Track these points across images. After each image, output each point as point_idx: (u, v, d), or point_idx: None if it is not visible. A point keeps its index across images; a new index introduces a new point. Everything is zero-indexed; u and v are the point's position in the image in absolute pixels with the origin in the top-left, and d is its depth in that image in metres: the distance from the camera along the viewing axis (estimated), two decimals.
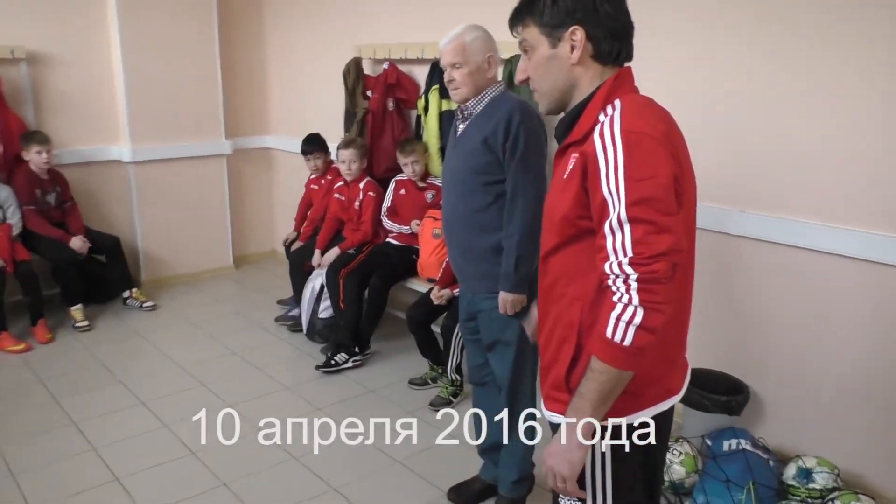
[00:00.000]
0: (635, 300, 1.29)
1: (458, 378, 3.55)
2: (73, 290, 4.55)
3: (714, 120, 2.95)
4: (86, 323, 4.52)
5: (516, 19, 1.52)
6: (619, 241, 1.30)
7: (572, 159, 1.41)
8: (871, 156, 2.57)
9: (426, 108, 3.94)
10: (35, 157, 4.42)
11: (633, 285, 1.29)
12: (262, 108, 5.82)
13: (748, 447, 2.74)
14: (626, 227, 1.29)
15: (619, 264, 1.30)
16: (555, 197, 1.48)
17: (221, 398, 3.63)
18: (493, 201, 2.43)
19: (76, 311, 4.54)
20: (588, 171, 1.36)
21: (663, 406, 1.49)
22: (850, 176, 2.64)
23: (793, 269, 2.86)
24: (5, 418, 3.42)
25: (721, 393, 2.96)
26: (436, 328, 3.74)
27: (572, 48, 1.44)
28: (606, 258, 1.33)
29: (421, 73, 4.19)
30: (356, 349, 3.99)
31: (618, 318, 1.31)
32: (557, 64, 1.47)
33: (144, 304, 4.86)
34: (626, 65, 1.50)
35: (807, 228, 2.77)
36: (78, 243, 4.51)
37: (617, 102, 1.40)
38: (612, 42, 1.44)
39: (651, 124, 1.35)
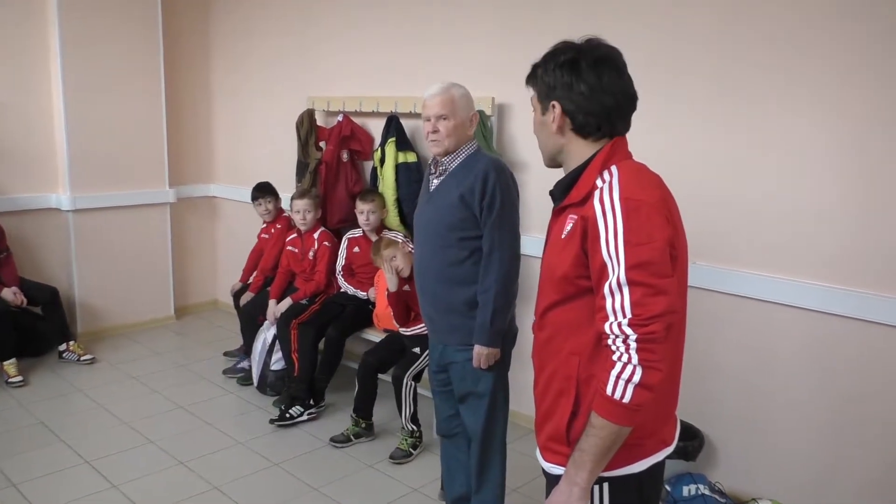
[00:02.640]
0: (634, 359, 1.37)
1: (416, 429, 3.55)
2: (6, 344, 4.33)
3: (668, 177, 3.12)
4: (20, 378, 4.30)
5: (527, 80, 1.64)
6: (618, 303, 1.38)
7: (570, 220, 1.50)
8: (811, 213, 2.78)
9: (382, 160, 4.00)
10: None
11: (633, 345, 1.36)
12: (207, 156, 5.76)
13: (706, 492, 2.84)
14: (625, 290, 1.37)
15: (619, 325, 1.38)
16: (553, 256, 1.55)
17: (172, 455, 3.51)
18: (468, 256, 2.50)
19: (9, 365, 4.32)
20: (588, 234, 1.44)
21: (658, 457, 1.56)
22: (792, 231, 2.84)
23: (739, 318, 3.02)
24: None
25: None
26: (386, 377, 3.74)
27: (553, 119, 1.56)
28: (606, 318, 1.40)
29: (374, 126, 4.27)
30: (311, 402, 3.94)
31: (617, 377, 1.38)
32: (545, 129, 1.60)
33: (82, 358, 4.66)
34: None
35: (753, 279, 2.94)
36: (10, 296, 4.32)
37: (614, 169, 1.50)
38: (588, 118, 1.53)
39: (648, 192, 1.45)
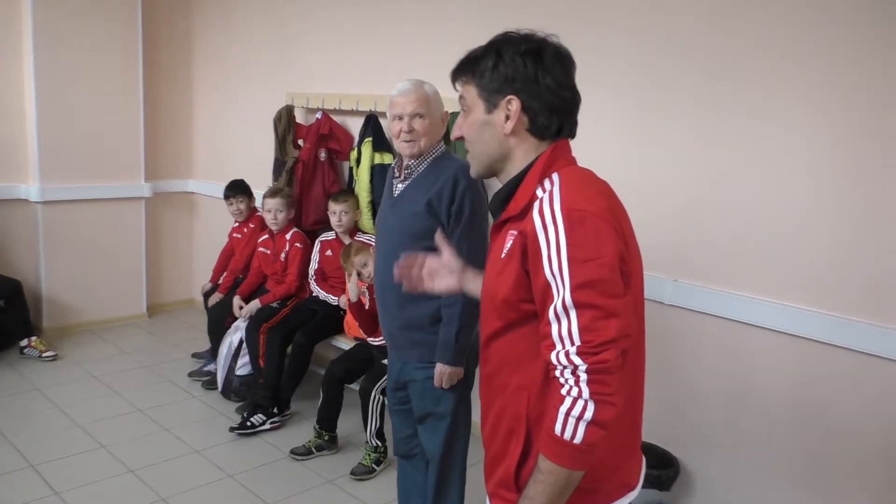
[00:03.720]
0: (585, 393, 1.20)
1: (380, 444, 3.37)
2: None
3: (651, 187, 2.97)
4: None
5: (458, 74, 1.44)
6: (564, 329, 1.21)
7: (510, 237, 1.33)
8: (798, 235, 2.62)
9: (358, 160, 3.84)
10: None
11: (583, 377, 1.20)
12: (186, 151, 5.58)
13: None
14: (572, 313, 1.21)
15: (566, 353, 1.21)
16: (493, 278, 1.38)
17: (122, 462, 3.33)
18: None
19: None
20: (528, 251, 1.27)
21: (621, 503, 1.38)
22: (778, 252, 2.68)
23: (722, 340, 2.86)
24: None
25: (650, 466, 2.89)
26: (354, 387, 3.57)
27: (507, 117, 1.37)
28: (552, 346, 1.23)
29: (354, 125, 4.11)
30: (275, 409, 3.76)
31: (567, 414, 1.21)
32: (490, 131, 1.40)
33: (44, 354, 4.49)
34: None
35: (737, 301, 2.78)
36: None
37: (555, 176, 1.33)
38: (551, 117, 1.36)
39: (593, 200, 1.28)
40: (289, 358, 3.81)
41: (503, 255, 1.33)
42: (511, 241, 1.31)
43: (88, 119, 4.84)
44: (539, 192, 1.32)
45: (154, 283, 5.52)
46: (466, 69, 1.42)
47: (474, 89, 1.40)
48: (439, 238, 1.74)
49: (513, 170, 1.40)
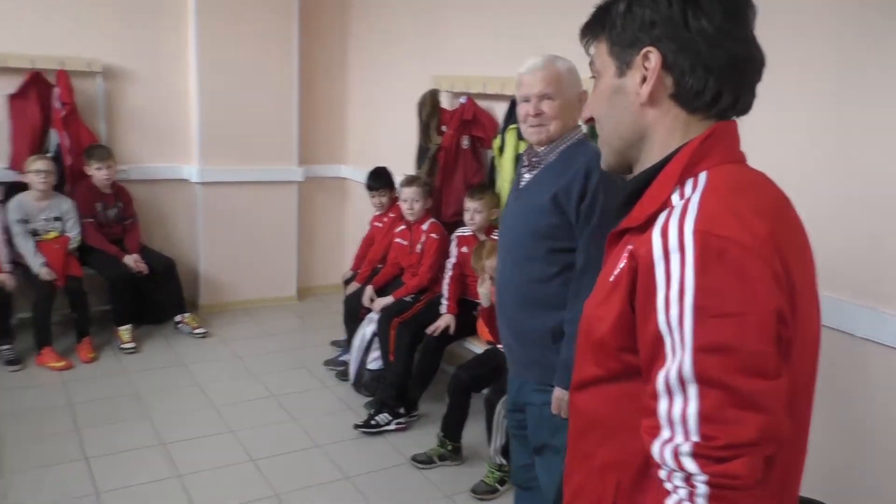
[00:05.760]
0: None
1: (505, 463, 3.05)
2: (123, 310, 4.37)
3: (847, 189, 2.38)
4: (132, 345, 4.32)
5: (588, 31, 1.06)
6: (677, 410, 0.83)
7: (624, 256, 0.94)
8: None
9: (501, 149, 3.52)
10: (95, 173, 4.30)
11: (701, 489, 0.81)
12: (339, 137, 5.55)
13: None
14: (692, 390, 0.82)
15: (676, 451, 0.82)
16: (594, 306, 1.00)
17: (245, 449, 3.29)
18: (558, 273, 1.98)
19: (124, 331, 4.35)
20: (637, 283, 0.88)
21: None
22: None
23: None
24: (19, 445, 3.19)
25: None
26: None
27: (643, 79, 0.97)
28: (656, 432, 0.85)
29: (502, 111, 3.79)
30: (401, 410, 3.57)
31: None
32: (622, 101, 1.00)
33: (195, 331, 4.63)
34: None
35: None
36: (130, 262, 4.33)
37: (702, 177, 0.92)
38: (706, 77, 0.94)
39: (747, 223, 0.86)
40: (417, 358, 3.59)
41: (611, 279, 0.96)
42: (623, 263, 0.94)
43: (247, 104, 4.91)
44: (675, 199, 0.92)
45: (305, 267, 5.56)
46: (597, 21, 1.04)
47: (605, 46, 1.02)
48: None
49: (649, 159, 1.00)
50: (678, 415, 0.82)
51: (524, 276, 2.01)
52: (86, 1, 4.43)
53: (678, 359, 0.82)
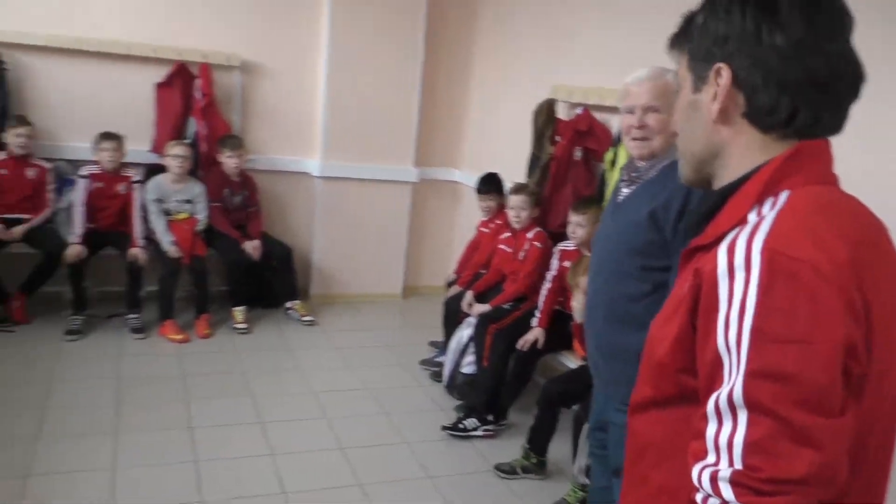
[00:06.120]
0: None
1: (589, 482, 2.97)
2: (239, 292, 4.63)
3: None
4: (245, 325, 4.57)
5: (675, 43, 1.03)
6: (725, 435, 0.78)
7: (690, 275, 0.90)
8: None
9: (613, 162, 3.45)
10: (226, 161, 4.57)
11: None
12: (455, 141, 5.63)
13: None
14: (742, 416, 0.77)
15: (715, 476, 0.77)
16: (659, 326, 0.97)
17: (336, 436, 3.40)
18: (651, 292, 1.92)
19: (238, 312, 4.60)
20: (700, 302, 0.84)
21: None
22: None
23: None
24: (132, 407, 3.45)
25: None
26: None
27: (715, 95, 0.92)
28: (702, 455, 0.80)
29: (618, 123, 3.70)
30: (490, 417, 3.56)
31: None
32: (697, 117, 0.97)
33: (304, 318, 4.82)
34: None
35: None
36: (249, 248, 4.58)
37: (783, 196, 0.86)
38: (779, 95, 0.88)
39: (823, 245, 0.80)
40: (511, 367, 3.58)
41: (676, 298, 0.93)
42: (688, 282, 0.89)
43: (370, 104, 5.08)
44: (751, 217, 0.87)
45: (413, 266, 5.67)
46: (682, 33, 1.01)
47: (686, 58, 0.99)
48: None
49: (725, 176, 0.96)
50: (725, 440, 0.77)
51: (615, 293, 1.96)
52: None
53: (732, 381, 0.78)
